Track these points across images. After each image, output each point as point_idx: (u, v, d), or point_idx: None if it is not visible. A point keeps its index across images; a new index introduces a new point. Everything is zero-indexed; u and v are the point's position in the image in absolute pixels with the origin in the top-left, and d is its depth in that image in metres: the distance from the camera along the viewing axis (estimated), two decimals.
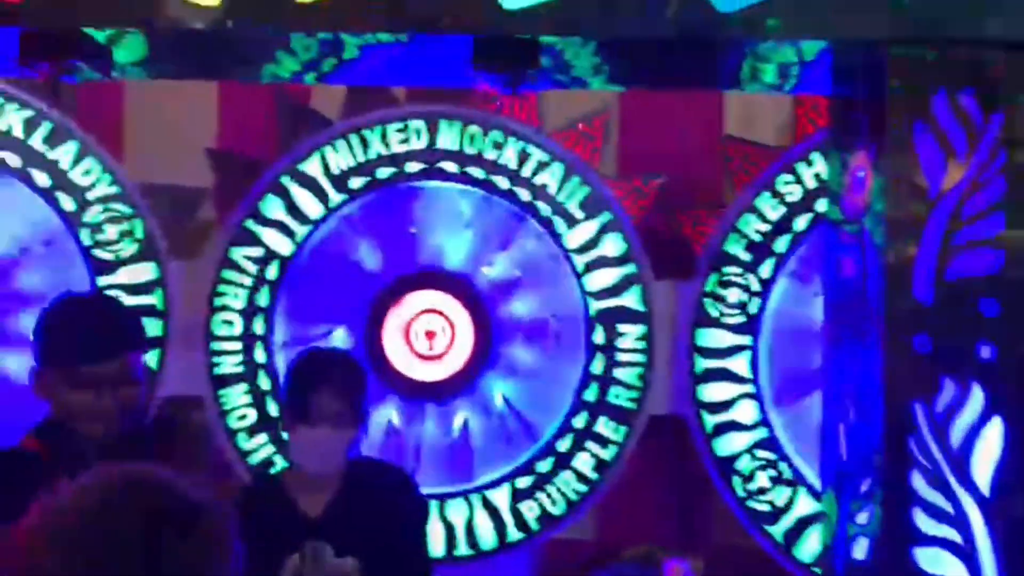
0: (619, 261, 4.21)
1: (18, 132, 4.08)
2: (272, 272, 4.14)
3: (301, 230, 4.18)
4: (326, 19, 2.75)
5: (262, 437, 4.18)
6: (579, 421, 4.16)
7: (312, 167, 4.17)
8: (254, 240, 4.14)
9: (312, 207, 4.18)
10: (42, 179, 4.08)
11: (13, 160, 4.06)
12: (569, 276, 4.29)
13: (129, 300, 4.25)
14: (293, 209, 4.16)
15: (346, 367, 2.95)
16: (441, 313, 4.25)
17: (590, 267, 4.20)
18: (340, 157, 4.19)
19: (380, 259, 4.29)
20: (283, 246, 4.15)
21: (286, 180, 4.16)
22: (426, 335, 4.24)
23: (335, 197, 4.20)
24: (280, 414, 3.48)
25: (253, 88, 4.47)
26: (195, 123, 4.61)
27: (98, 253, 4.11)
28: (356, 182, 4.19)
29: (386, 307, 4.23)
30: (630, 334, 4.31)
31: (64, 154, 4.10)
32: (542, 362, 4.31)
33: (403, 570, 2.82)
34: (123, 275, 4.15)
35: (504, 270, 4.30)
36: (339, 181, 4.19)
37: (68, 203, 4.10)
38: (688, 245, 4.31)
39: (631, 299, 4.21)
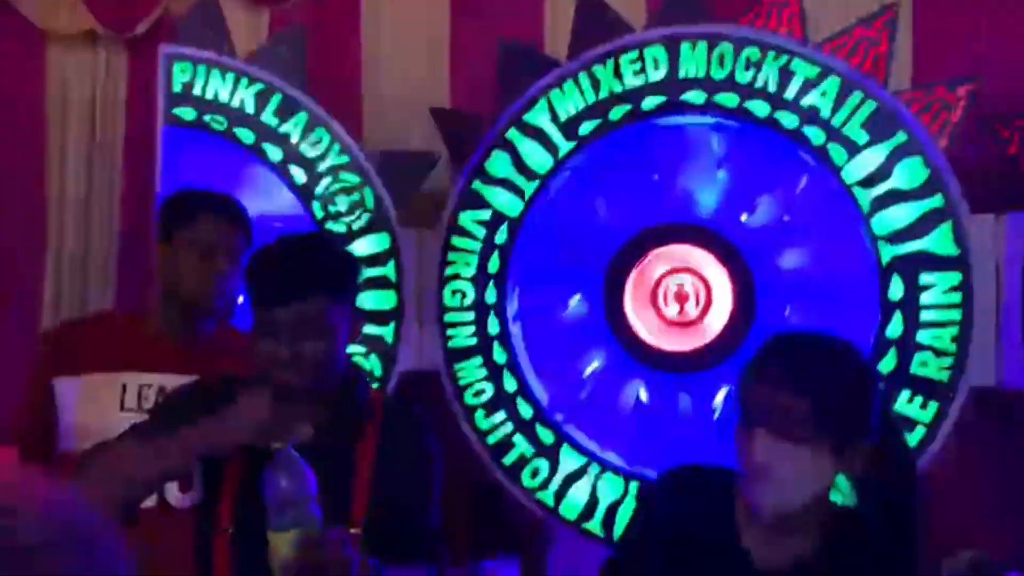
0: (919, 193, 2.01)
1: (250, 107, 2.39)
2: (501, 235, 2.22)
3: (530, 187, 2.23)
4: None
5: (500, 415, 2.82)
6: None
7: (538, 116, 2.22)
8: (482, 202, 2.81)
9: (540, 160, 2.24)
10: (275, 154, 2.38)
11: (247, 137, 2.40)
12: (853, 217, 2.60)
13: (363, 273, 2.46)
14: (520, 165, 2.23)
15: None
16: (693, 271, 2.21)
17: (880, 204, 2.08)
18: (568, 101, 2.25)
19: (618, 212, 2.33)
20: (511, 206, 2.26)
21: (512, 134, 2.24)
22: (676, 298, 2.19)
23: (564, 146, 2.20)
24: None
25: (483, 42, 2.97)
26: (427, 85, 3.10)
27: (331, 226, 2.41)
28: (586, 127, 2.20)
29: (628, 267, 2.25)
30: (938, 286, 2.50)
31: (294, 126, 2.43)
32: (822, 324, 2.41)
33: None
34: (356, 247, 2.45)
35: (769, 215, 2.19)
36: (568, 128, 2.27)
37: (300, 175, 2.43)
38: (1016, 166, 1.93)
39: (938, 240, 1.95)
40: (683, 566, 1.28)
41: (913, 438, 2.41)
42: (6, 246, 3.05)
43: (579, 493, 2.67)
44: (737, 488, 1.28)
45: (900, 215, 2.45)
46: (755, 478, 1.23)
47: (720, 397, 2.66)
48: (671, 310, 2.70)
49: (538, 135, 2.78)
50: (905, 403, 2.42)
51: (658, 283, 2.71)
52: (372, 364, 2.91)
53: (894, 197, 2.46)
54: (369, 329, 2.93)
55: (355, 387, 1.50)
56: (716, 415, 2.65)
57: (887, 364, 2.45)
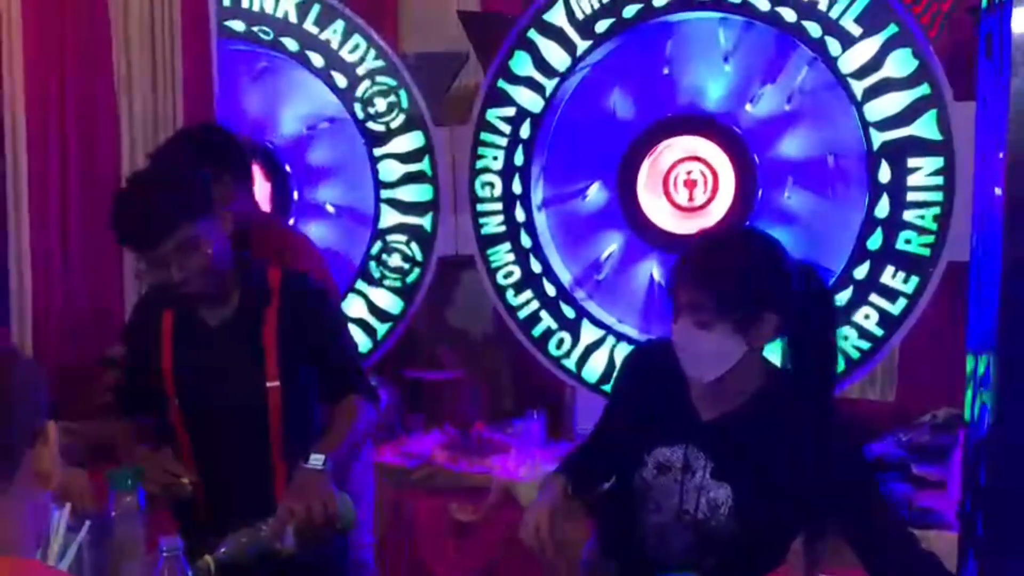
0: (908, 83, 2.29)
1: (293, 17, 2.83)
2: (525, 131, 2.65)
3: (550, 84, 2.63)
4: None
5: (528, 293, 2.76)
6: (860, 272, 2.31)
7: (557, 16, 2.59)
8: (506, 99, 2.69)
9: (559, 59, 2.61)
10: (317, 60, 2.83)
11: (292, 44, 2.84)
12: (847, 106, 2.43)
13: (402, 168, 2.93)
14: (541, 63, 2.62)
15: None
16: (702, 160, 2.58)
17: (871, 93, 2.34)
18: (584, 1, 2.56)
19: (632, 106, 2.69)
20: (533, 103, 2.64)
21: (532, 34, 2.61)
22: (686, 185, 2.59)
23: (581, 45, 2.58)
24: None
25: None
26: None
27: (371, 125, 2.86)
28: (602, 26, 2.57)
29: (641, 157, 2.64)
30: (923, 169, 2.84)
31: (333, 33, 2.82)
32: (817, 206, 2.65)
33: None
34: (394, 144, 2.84)
35: (771, 106, 2.55)
36: (584, 27, 2.61)
37: (341, 80, 2.82)
38: None
39: (924, 127, 2.28)
40: (645, 422, 1.58)
41: (896, 308, 2.77)
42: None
43: (598, 361, 3.10)
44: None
45: (891, 103, 2.72)
46: (682, 357, 1.49)
47: None
48: (681, 196, 3.04)
49: (557, 34, 3.08)
50: (889, 277, 2.76)
51: (669, 171, 3.04)
52: (413, 250, 3.35)
53: (885, 86, 2.72)
54: (409, 219, 3.36)
55: (251, 275, 1.78)
56: None
57: (874, 242, 2.77)
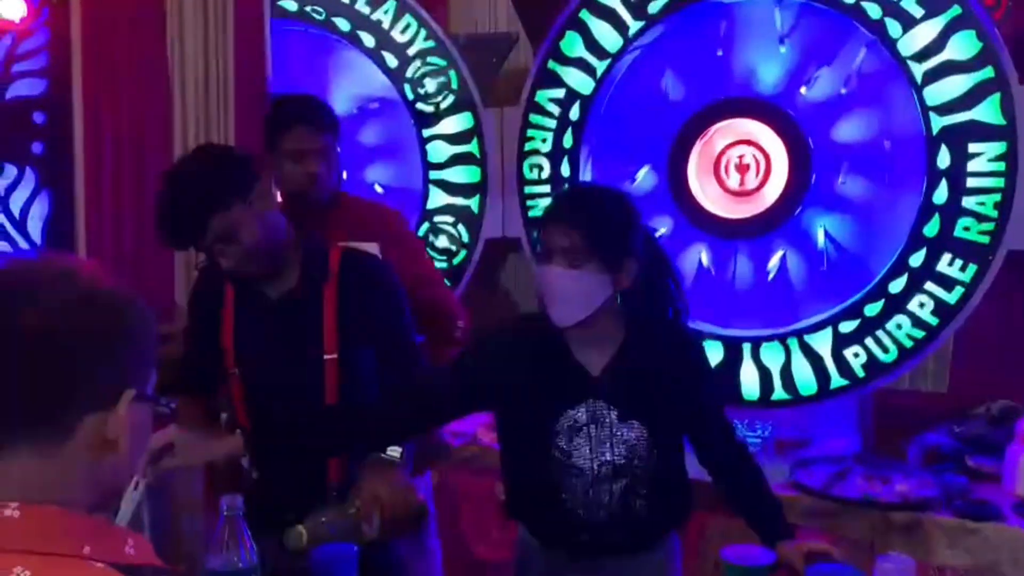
0: (971, 65, 2.26)
1: None
2: (575, 113, 2.66)
3: (601, 65, 2.64)
4: None
5: None
6: (916, 259, 2.29)
7: None
8: (557, 81, 2.70)
9: (610, 39, 2.60)
10: (368, 40, 2.86)
11: (343, 24, 2.88)
12: (906, 89, 2.81)
13: (450, 149, 2.95)
14: (592, 44, 2.62)
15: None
16: (754, 143, 2.56)
17: (932, 76, 2.32)
18: None
19: (684, 89, 2.68)
20: (584, 85, 2.65)
21: (584, 14, 2.61)
22: (738, 169, 2.56)
23: (634, 25, 2.58)
24: None
25: None
26: None
27: (420, 106, 2.88)
28: (655, 6, 2.57)
29: (692, 140, 2.63)
30: (984, 154, 2.70)
31: (384, 13, 2.85)
32: (872, 192, 2.84)
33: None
34: (443, 126, 2.86)
35: (827, 89, 2.53)
36: (637, 7, 2.62)
37: (391, 61, 2.85)
38: None
39: (986, 111, 2.25)
40: (542, 396, 1.62)
41: (952, 297, 2.71)
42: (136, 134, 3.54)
43: None
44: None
45: (952, 86, 2.66)
46: (551, 302, 1.56)
47: (775, 260, 2.99)
48: (732, 180, 3.01)
49: (609, 15, 3.06)
50: (946, 265, 2.71)
51: (721, 155, 3.02)
52: (460, 231, 3.37)
53: (947, 69, 2.66)
54: (457, 200, 3.38)
55: (311, 252, 1.81)
56: (771, 276, 3.00)
57: (931, 228, 2.71)
